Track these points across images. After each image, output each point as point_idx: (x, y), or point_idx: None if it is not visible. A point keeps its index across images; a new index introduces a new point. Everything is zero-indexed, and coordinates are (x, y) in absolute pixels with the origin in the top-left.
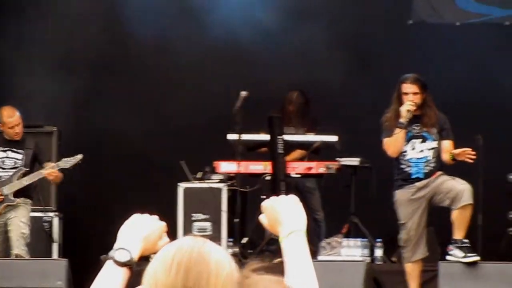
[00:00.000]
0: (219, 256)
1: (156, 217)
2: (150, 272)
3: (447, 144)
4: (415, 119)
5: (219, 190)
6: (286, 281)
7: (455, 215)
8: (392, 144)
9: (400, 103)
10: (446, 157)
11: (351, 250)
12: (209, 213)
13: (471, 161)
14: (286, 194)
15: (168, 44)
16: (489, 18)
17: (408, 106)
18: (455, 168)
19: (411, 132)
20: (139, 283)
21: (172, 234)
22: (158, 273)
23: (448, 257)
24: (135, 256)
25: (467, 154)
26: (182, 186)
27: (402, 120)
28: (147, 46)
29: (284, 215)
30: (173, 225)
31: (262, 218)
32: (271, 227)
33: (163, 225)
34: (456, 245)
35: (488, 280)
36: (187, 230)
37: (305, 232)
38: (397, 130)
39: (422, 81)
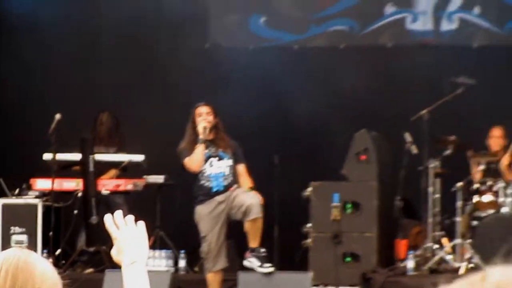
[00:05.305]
0: (44, 266)
1: None
2: None
3: (241, 168)
4: (210, 142)
5: (35, 205)
6: None
7: (247, 225)
8: (194, 159)
9: (195, 128)
10: (243, 182)
11: (156, 261)
12: (26, 227)
13: None
14: (97, 209)
15: None
16: (279, 43)
17: (204, 123)
18: (255, 185)
19: (209, 153)
20: None
21: None
22: None
23: (245, 263)
24: None
25: None
26: (0, 202)
27: (201, 136)
28: None
29: (127, 245)
30: None
31: (113, 251)
32: (116, 256)
33: None
34: (254, 253)
35: None
36: (6, 242)
37: (145, 263)
38: (197, 146)
39: (213, 106)
